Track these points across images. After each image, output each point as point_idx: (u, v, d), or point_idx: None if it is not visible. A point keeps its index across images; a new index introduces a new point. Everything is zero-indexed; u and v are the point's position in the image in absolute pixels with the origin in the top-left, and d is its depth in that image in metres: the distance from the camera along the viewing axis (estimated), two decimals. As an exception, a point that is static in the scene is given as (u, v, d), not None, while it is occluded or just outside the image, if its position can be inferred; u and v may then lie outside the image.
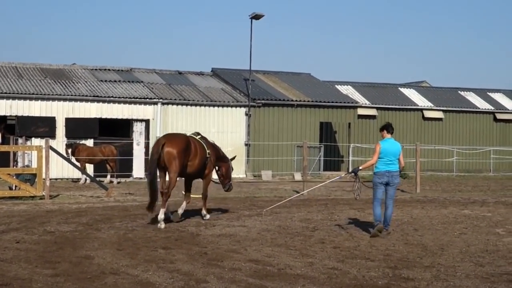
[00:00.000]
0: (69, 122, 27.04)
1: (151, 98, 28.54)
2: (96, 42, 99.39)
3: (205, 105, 29.46)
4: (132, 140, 28.22)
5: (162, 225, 12.25)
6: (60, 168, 25.29)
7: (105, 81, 30.12)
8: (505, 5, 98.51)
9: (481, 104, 38.06)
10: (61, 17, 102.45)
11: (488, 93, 40.34)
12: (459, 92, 39.61)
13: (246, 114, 30.20)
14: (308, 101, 31.49)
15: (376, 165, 11.86)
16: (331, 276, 8.30)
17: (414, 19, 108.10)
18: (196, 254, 9.61)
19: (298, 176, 28.01)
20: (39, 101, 26.81)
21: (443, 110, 36.23)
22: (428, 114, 35.78)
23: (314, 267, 8.83)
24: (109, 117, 27.90)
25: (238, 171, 27.18)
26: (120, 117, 28.11)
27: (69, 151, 24.47)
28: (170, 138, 13.03)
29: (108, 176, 24.99)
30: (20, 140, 25.95)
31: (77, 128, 27.01)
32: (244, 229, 12.22)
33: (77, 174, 24.99)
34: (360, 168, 12.31)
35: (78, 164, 22.98)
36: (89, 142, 26.82)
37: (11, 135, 26.72)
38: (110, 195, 18.90)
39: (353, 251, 10.12)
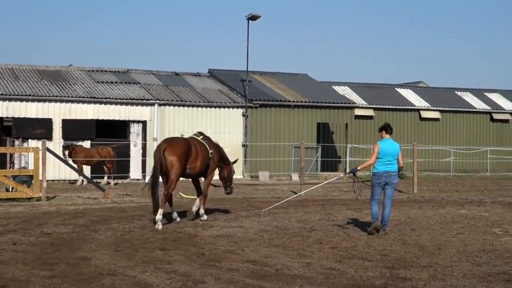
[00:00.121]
0: (66, 123, 27.02)
1: (148, 99, 28.51)
2: (93, 43, 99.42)
3: (202, 106, 29.44)
4: (129, 141, 28.20)
5: (159, 226, 12.26)
6: (57, 170, 25.28)
7: (102, 82, 30.10)
8: (502, 5, 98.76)
9: (478, 104, 38.10)
10: (58, 18, 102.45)
11: (484, 93, 40.39)
12: (456, 92, 39.66)
13: (243, 115, 30.19)
14: (305, 102, 31.50)
15: (375, 165, 11.88)
16: (329, 277, 8.30)
17: (410, 19, 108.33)
18: (194, 255, 9.60)
19: (295, 177, 28.01)
20: (36, 102, 26.79)
21: (440, 110, 36.26)
22: (425, 114, 35.81)
23: (312, 268, 8.83)
24: (106, 118, 27.88)
25: (236, 172, 27.08)
26: (117, 118, 28.09)
27: (66, 152, 24.42)
28: (170, 142, 13.11)
29: (105, 178, 24.98)
30: (16, 142, 25.93)
31: (74, 129, 26.98)
32: (242, 230, 12.22)
33: (74, 175, 24.97)
34: (358, 168, 12.38)
35: (75, 165, 22.95)
36: (86, 144, 26.81)
37: (8, 137, 26.68)
38: (107, 196, 18.89)
39: (351, 251, 10.12)
